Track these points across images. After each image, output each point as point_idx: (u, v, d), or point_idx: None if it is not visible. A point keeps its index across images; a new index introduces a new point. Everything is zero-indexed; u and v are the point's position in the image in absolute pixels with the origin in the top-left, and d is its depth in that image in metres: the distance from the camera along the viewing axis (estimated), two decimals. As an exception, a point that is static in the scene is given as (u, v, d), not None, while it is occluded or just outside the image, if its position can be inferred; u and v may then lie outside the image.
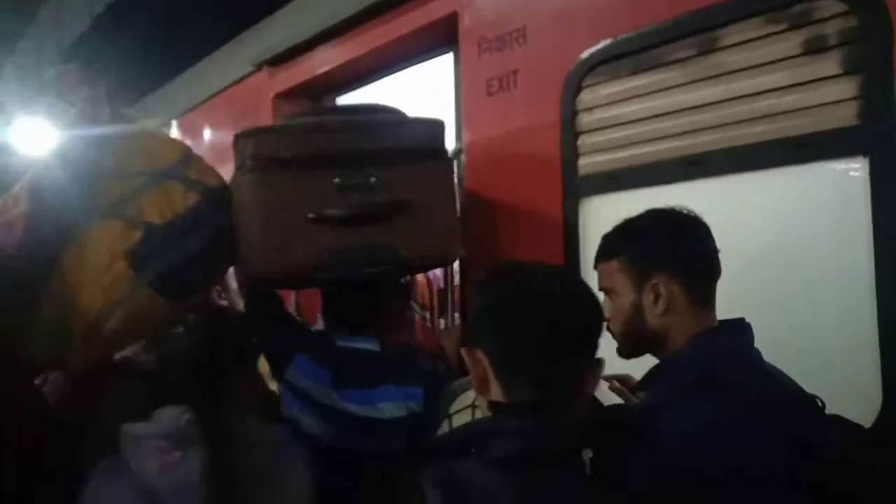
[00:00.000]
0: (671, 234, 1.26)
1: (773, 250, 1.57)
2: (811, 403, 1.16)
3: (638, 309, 1.25)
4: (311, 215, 1.74)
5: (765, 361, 1.21)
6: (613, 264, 1.29)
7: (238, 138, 1.81)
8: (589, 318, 0.96)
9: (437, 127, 1.86)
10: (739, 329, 1.23)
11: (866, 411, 1.40)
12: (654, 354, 1.28)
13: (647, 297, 1.23)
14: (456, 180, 1.82)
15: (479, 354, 0.96)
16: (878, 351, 1.42)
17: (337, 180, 1.76)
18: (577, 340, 0.93)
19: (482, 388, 0.96)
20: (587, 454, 0.87)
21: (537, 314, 0.91)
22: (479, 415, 1.82)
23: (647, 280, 1.24)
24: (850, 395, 1.38)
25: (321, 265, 1.75)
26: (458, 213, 1.82)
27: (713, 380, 1.12)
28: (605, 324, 1.11)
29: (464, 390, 1.87)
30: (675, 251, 1.24)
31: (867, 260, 1.43)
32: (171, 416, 1.32)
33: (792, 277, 1.56)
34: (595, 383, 0.96)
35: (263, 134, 1.81)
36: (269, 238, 1.74)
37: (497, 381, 0.94)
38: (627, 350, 1.31)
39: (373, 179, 1.77)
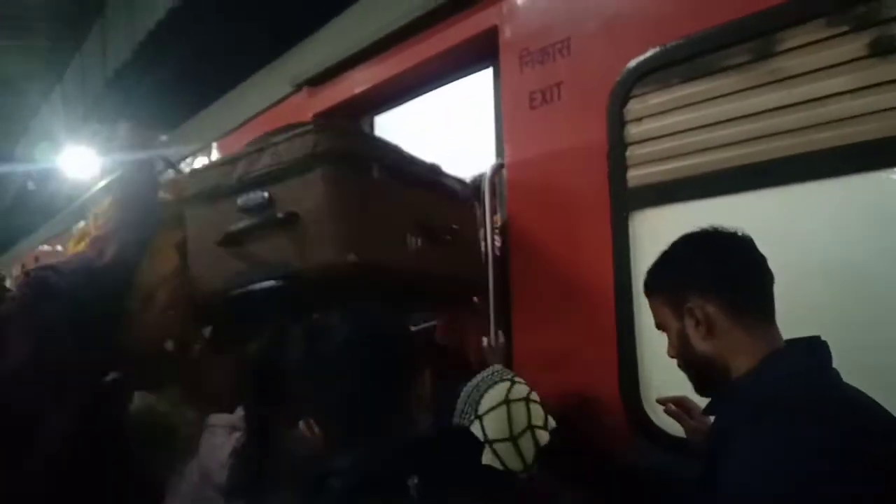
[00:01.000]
0: (697, 254, 1.25)
1: (842, 261, 1.48)
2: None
3: (684, 338, 1.23)
4: (217, 240, 1.82)
5: (844, 383, 1.13)
6: (656, 299, 1.30)
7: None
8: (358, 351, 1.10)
9: (315, 136, 1.72)
10: (814, 348, 1.16)
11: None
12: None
13: (689, 324, 1.21)
14: (345, 185, 1.71)
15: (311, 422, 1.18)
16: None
17: (239, 202, 1.80)
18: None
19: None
20: (412, 480, 0.91)
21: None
22: (535, 409, 1.78)
23: (682, 306, 1.22)
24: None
25: (229, 286, 1.81)
26: (353, 219, 1.72)
27: (785, 402, 1.06)
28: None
29: (493, 383, 1.81)
30: (702, 271, 1.22)
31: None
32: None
33: (863, 292, 1.47)
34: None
35: (175, 179, 2.10)
36: (191, 267, 1.90)
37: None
38: (695, 383, 1.28)
39: (264, 195, 1.76)
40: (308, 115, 3.27)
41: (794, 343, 1.19)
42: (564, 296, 2.07)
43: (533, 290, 2.19)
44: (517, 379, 1.86)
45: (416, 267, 1.89)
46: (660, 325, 1.31)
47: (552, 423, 1.79)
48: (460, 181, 2.24)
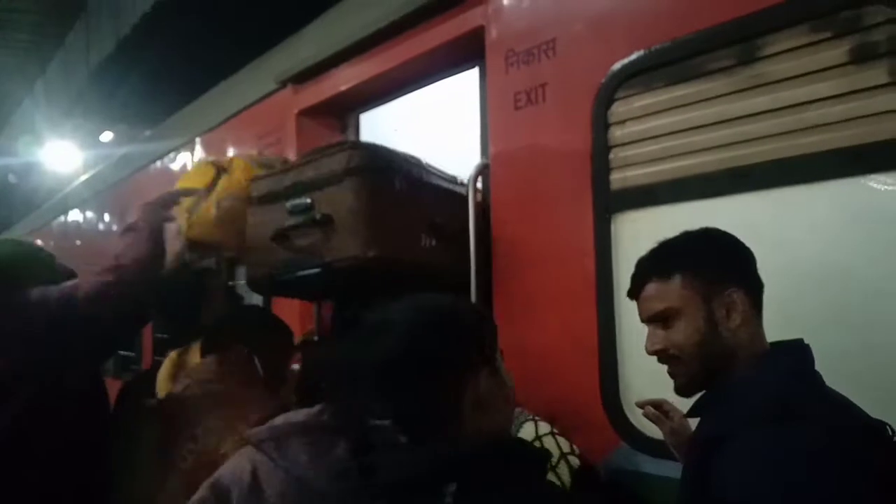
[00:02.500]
0: (731, 247, 1.24)
1: (823, 266, 1.49)
2: (882, 430, 1.08)
3: (712, 324, 1.18)
4: (270, 235, 2.23)
5: (827, 386, 1.13)
6: (675, 283, 1.22)
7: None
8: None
9: (349, 153, 2.10)
10: (802, 352, 1.16)
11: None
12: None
13: (720, 311, 1.18)
14: (371, 194, 2.07)
15: None
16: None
17: (287, 205, 2.20)
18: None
19: None
20: (451, 488, 0.85)
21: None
22: (561, 440, 1.76)
23: (719, 292, 1.19)
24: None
25: (277, 273, 2.24)
26: (376, 222, 2.06)
27: (784, 408, 1.06)
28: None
29: (520, 425, 1.79)
30: (737, 263, 1.22)
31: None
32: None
33: (845, 296, 1.47)
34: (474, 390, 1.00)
35: (256, 180, 2.42)
36: (247, 259, 2.40)
37: None
38: (702, 377, 1.22)
39: (307, 201, 2.15)
40: (293, 113, 3.25)
41: (781, 346, 1.19)
42: (546, 297, 2.07)
43: (515, 291, 2.18)
44: (536, 417, 1.84)
45: (428, 262, 2.21)
46: (664, 313, 1.23)
47: (576, 449, 1.78)
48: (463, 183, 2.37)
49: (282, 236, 2.20)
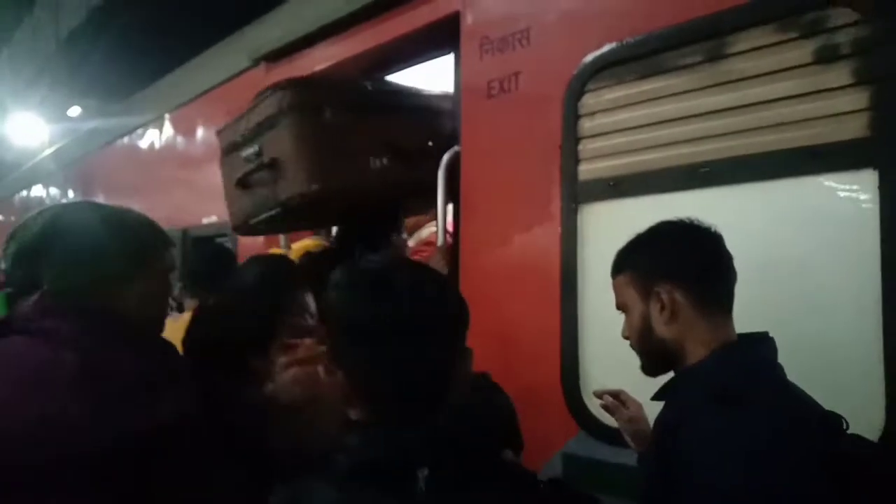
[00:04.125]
0: (673, 243, 1.27)
1: (779, 261, 1.53)
2: (835, 422, 1.11)
3: (646, 320, 1.25)
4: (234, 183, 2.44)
5: (787, 379, 1.16)
6: (621, 279, 1.31)
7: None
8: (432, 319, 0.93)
9: (280, 94, 2.21)
10: (763, 344, 1.20)
11: (870, 425, 1.35)
12: (674, 368, 1.26)
13: (654, 307, 1.24)
14: (304, 131, 2.17)
15: (334, 367, 0.96)
16: (882, 365, 1.38)
17: (243, 154, 2.36)
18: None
19: (347, 405, 0.95)
20: (423, 472, 0.83)
21: (391, 331, 0.90)
22: None
23: (651, 289, 1.24)
24: (854, 409, 1.33)
25: (248, 216, 2.45)
26: (313, 156, 2.17)
27: (734, 395, 1.09)
28: None
29: None
30: (676, 259, 1.25)
31: (875, 273, 1.39)
32: None
33: (798, 289, 1.51)
34: (464, 376, 0.98)
35: (220, 132, 2.60)
36: (228, 208, 2.60)
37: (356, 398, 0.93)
38: (647, 365, 1.30)
39: (256, 148, 2.30)
40: (265, 92, 3.21)
41: (747, 337, 1.22)
42: (511, 285, 2.08)
43: (480, 277, 2.20)
44: None
45: (383, 183, 2.31)
46: (621, 306, 1.33)
47: None
48: (443, 96, 2.49)
49: (242, 183, 2.38)
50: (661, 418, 1.29)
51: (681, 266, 1.24)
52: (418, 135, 2.40)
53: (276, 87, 2.23)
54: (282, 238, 3.10)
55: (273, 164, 2.23)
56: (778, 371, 1.19)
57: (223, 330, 1.55)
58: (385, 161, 2.32)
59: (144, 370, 1.17)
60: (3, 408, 1.07)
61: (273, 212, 2.31)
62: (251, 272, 1.69)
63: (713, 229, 1.26)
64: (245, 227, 2.58)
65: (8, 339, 1.15)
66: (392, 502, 0.80)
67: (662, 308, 1.22)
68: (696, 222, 1.27)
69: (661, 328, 1.23)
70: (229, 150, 2.49)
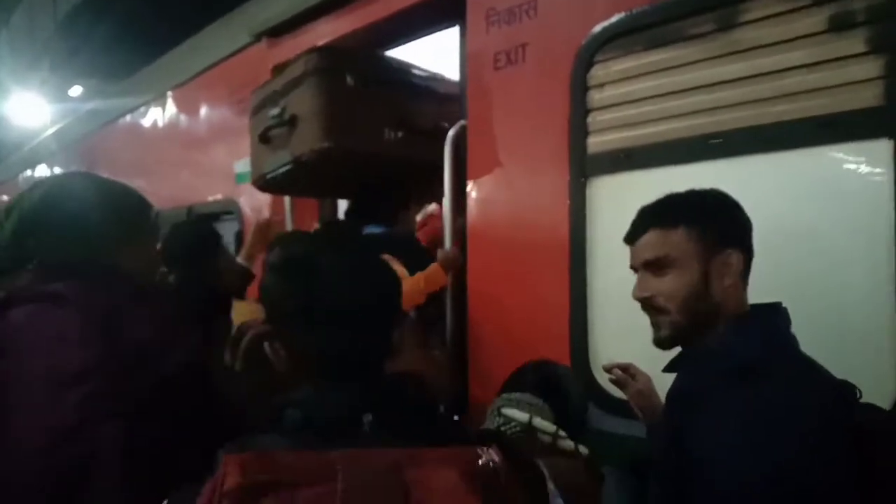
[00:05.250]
0: (731, 209, 1.24)
1: (793, 232, 1.51)
2: (850, 392, 1.11)
3: (704, 281, 1.19)
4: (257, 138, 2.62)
5: (800, 350, 1.16)
6: (679, 233, 1.21)
7: None
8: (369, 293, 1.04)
9: (306, 58, 2.38)
10: (776, 314, 1.19)
11: (881, 394, 1.35)
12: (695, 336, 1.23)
13: (718, 269, 1.19)
14: (325, 92, 2.32)
15: (277, 345, 1.05)
16: (894, 335, 1.37)
17: (269, 112, 2.52)
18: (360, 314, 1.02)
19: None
20: (367, 417, 0.95)
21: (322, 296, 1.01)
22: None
23: (719, 251, 1.20)
24: (866, 378, 1.33)
25: (267, 171, 2.62)
26: (330, 117, 2.32)
27: (751, 370, 1.09)
28: None
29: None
30: (738, 225, 1.23)
31: (889, 243, 1.38)
32: None
33: (812, 260, 1.50)
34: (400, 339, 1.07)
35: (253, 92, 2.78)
36: (251, 161, 2.79)
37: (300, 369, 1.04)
38: (685, 331, 1.22)
39: (282, 106, 2.46)
40: (268, 67, 3.18)
41: (760, 308, 1.21)
42: (520, 260, 2.08)
43: (489, 253, 2.19)
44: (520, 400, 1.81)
45: (394, 156, 2.44)
46: (660, 260, 1.22)
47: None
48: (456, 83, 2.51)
49: (264, 137, 2.56)
50: (674, 391, 1.29)
51: (743, 233, 1.23)
52: (432, 116, 2.47)
53: (307, 51, 2.43)
54: (287, 213, 3.10)
55: (293, 121, 2.39)
56: (792, 342, 1.19)
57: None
58: (399, 135, 2.42)
59: (153, 324, 1.21)
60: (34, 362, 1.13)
61: (286, 167, 2.45)
62: None
63: None
64: (262, 182, 2.74)
65: (20, 309, 1.18)
66: (341, 442, 0.88)
67: (724, 271, 1.19)
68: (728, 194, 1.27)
69: (720, 291, 1.19)
70: (258, 108, 2.66)
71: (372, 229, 2.67)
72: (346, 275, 1.03)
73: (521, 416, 1.50)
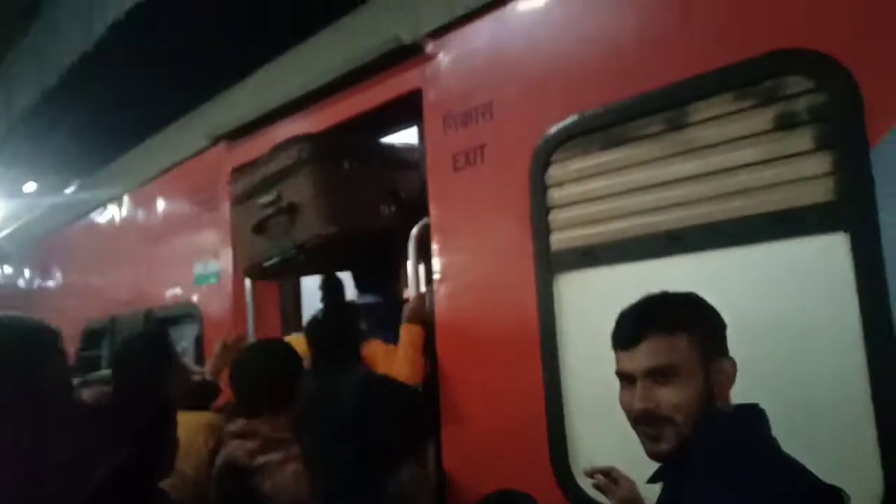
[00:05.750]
0: (718, 315, 1.22)
1: (757, 325, 1.51)
2: (836, 497, 1.07)
3: (708, 391, 1.15)
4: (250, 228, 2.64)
5: (782, 452, 1.13)
6: (681, 340, 1.15)
7: None
8: None
9: (299, 146, 2.45)
10: (753, 416, 1.16)
11: (866, 490, 1.32)
12: None
13: (716, 378, 1.16)
14: (323, 179, 2.41)
15: None
16: (875, 429, 1.35)
17: (259, 200, 2.58)
18: None
19: None
20: None
21: None
22: None
23: (716, 358, 1.17)
24: (847, 472, 1.30)
25: (263, 260, 2.64)
26: (331, 202, 2.41)
27: (734, 473, 1.07)
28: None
29: None
30: (724, 332, 1.22)
31: (856, 335, 1.38)
32: None
33: (779, 355, 1.50)
34: None
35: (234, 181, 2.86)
36: (239, 251, 2.88)
37: None
38: (672, 446, 1.15)
39: (274, 195, 2.52)
40: (227, 169, 3.18)
41: (737, 410, 1.18)
42: (490, 357, 2.04)
43: (458, 349, 2.15)
44: None
45: (390, 227, 2.50)
46: (662, 369, 1.15)
47: None
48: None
49: (259, 227, 2.59)
50: (662, 498, 1.24)
51: (725, 339, 1.22)
52: (416, 187, 2.54)
53: (294, 140, 2.50)
54: (249, 308, 3.06)
55: (292, 209, 2.46)
56: (773, 444, 1.15)
57: None
58: (392, 209, 2.53)
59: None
60: None
61: (289, 254, 2.52)
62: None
63: None
64: (258, 271, 2.76)
65: None
66: None
67: (724, 380, 1.16)
68: None
69: (723, 400, 1.16)
70: (243, 197, 2.70)
71: (367, 299, 2.80)
72: None
73: None
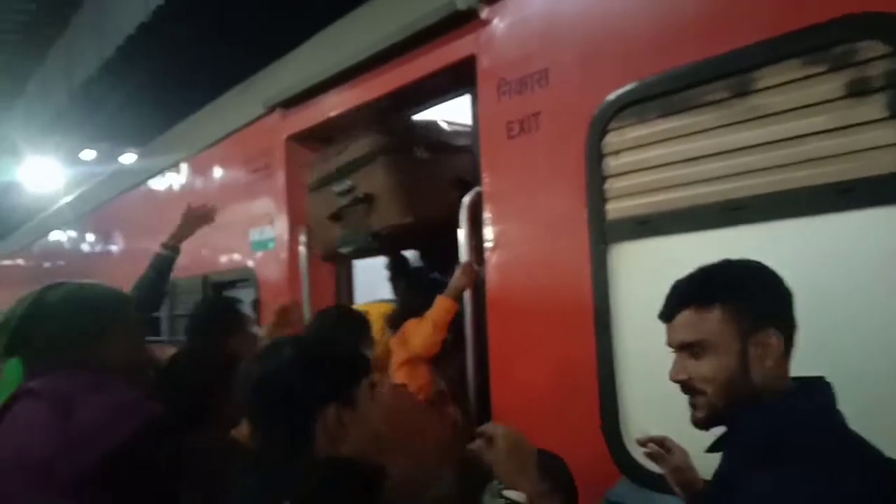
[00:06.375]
0: (771, 285, 1.18)
1: (818, 299, 1.48)
2: None
3: (744, 363, 1.14)
4: (326, 216, 2.82)
5: (849, 428, 1.12)
6: (715, 313, 1.16)
7: None
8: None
9: (372, 137, 2.58)
10: (822, 391, 1.14)
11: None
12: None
13: (756, 350, 1.14)
14: (398, 169, 2.52)
15: None
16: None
17: (335, 189, 2.73)
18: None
19: None
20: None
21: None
22: None
23: (757, 331, 1.14)
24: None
25: (338, 246, 2.83)
26: (406, 192, 2.52)
27: (795, 449, 1.06)
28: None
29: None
30: (778, 303, 1.18)
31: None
32: None
33: (840, 328, 1.47)
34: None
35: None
36: (313, 233, 3.02)
37: None
38: (720, 413, 1.17)
39: (349, 183, 2.67)
40: (281, 137, 3.23)
41: (802, 383, 1.17)
42: (543, 328, 2.05)
43: (510, 320, 2.17)
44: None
45: (456, 212, 2.46)
46: (696, 343, 1.17)
47: None
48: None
49: (336, 216, 2.77)
50: (716, 472, 1.25)
51: (783, 311, 1.17)
52: (475, 170, 2.55)
53: (372, 130, 2.65)
54: (304, 279, 3.10)
55: (368, 199, 2.61)
56: (837, 419, 1.13)
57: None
58: (458, 194, 2.52)
59: (99, 403, 1.47)
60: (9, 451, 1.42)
61: (366, 242, 2.70)
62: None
63: None
64: (331, 255, 2.97)
65: (19, 402, 1.52)
66: None
67: (765, 352, 1.14)
68: (768, 265, 1.20)
69: (760, 374, 1.14)
70: (318, 184, 2.88)
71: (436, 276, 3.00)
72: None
73: (520, 497, 1.46)
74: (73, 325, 1.58)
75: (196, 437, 1.69)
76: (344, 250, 2.81)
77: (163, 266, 2.55)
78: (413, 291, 2.77)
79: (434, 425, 2.19)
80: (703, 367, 1.17)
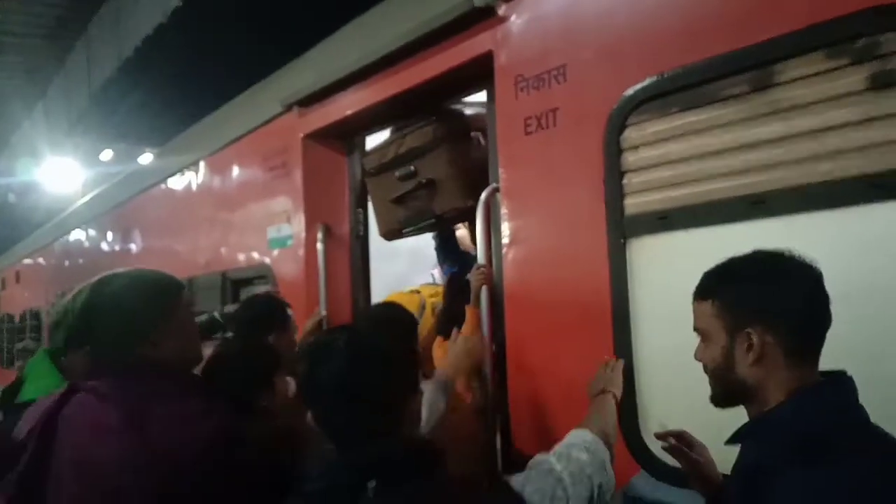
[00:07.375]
0: (771, 281, 1.16)
1: (846, 295, 1.46)
2: None
3: (728, 356, 1.19)
4: (390, 199, 2.98)
5: (870, 421, 1.11)
6: (707, 306, 1.22)
7: None
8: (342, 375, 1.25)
9: (434, 125, 2.70)
10: (846, 385, 1.14)
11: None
12: (746, 407, 1.21)
13: (740, 346, 1.17)
14: (460, 156, 2.69)
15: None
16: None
17: (396, 174, 2.89)
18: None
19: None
20: (371, 483, 1.11)
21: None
22: None
23: (740, 328, 1.16)
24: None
25: (401, 227, 3.02)
26: (467, 177, 2.67)
27: (828, 443, 1.05)
28: None
29: None
30: (776, 300, 1.15)
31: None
32: None
33: (868, 324, 1.45)
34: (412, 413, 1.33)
35: (367, 156, 3.13)
36: (377, 217, 3.17)
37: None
38: (720, 398, 1.24)
39: (412, 168, 2.84)
40: (298, 135, 3.25)
41: (825, 377, 1.16)
42: (561, 323, 2.05)
43: (527, 314, 2.17)
44: None
45: None
46: (699, 331, 1.25)
47: None
48: None
49: (399, 200, 2.92)
50: (739, 465, 1.24)
51: (779, 309, 1.14)
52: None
53: (433, 117, 2.75)
54: (321, 273, 3.18)
55: (430, 184, 2.77)
56: (860, 413, 1.13)
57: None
58: None
59: (171, 415, 1.42)
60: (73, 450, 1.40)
61: (429, 223, 2.92)
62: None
63: (814, 266, 1.16)
64: (396, 235, 3.13)
65: (74, 397, 1.47)
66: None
67: (749, 349, 1.15)
68: (796, 256, 1.17)
69: (744, 369, 1.16)
70: (378, 170, 3.00)
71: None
72: (354, 357, 1.26)
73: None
74: (140, 313, 1.52)
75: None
76: (406, 231, 3.01)
77: None
78: (459, 297, 2.76)
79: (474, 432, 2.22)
80: (703, 353, 1.25)
